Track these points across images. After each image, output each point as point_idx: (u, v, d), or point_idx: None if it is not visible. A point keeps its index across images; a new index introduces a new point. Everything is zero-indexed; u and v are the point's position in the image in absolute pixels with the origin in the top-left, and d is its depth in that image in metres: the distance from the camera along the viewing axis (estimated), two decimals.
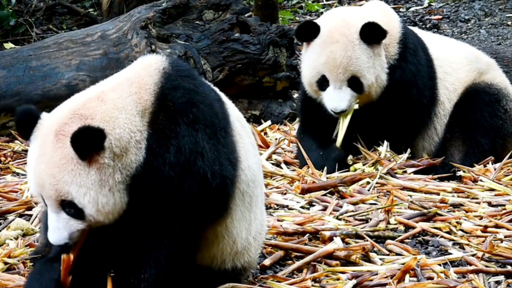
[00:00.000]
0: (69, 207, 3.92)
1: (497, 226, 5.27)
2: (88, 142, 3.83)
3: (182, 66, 4.20)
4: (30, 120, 4.00)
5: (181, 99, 4.04)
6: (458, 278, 4.58)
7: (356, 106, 6.35)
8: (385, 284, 4.45)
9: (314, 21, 6.50)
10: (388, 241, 5.04)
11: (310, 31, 6.38)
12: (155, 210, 3.98)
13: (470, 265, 4.75)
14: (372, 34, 6.29)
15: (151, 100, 4.01)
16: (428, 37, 6.87)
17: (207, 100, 4.12)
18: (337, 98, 6.31)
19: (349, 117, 6.35)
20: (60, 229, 3.95)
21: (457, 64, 6.78)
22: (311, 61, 6.39)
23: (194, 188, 3.99)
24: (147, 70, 4.10)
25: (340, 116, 6.36)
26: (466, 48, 7.03)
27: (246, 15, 8.30)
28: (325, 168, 6.25)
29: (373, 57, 6.34)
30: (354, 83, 6.31)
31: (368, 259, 4.77)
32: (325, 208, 5.58)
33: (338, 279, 4.54)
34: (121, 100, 3.98)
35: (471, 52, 6.95)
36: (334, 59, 6.30)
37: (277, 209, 5.65)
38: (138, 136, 3.96)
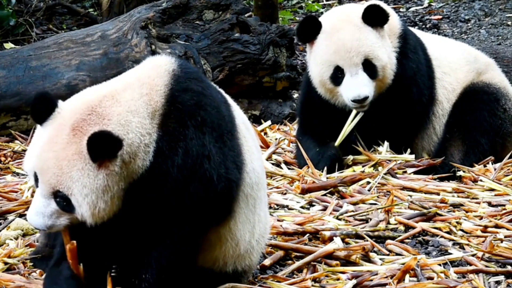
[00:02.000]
0: (62, 199, 3.89)
1: (497, 226, 5.27)
2: (104, 148, 3.80)
3: (190, 68, 4.20)
4: (47, 107, 3.95)
5: (190, 101, 4.03)
6: (458, 278, 4.58)
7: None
8: (385, 284, 4.45)
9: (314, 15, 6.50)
10: (388, 241, 5.04)
11: (311, 27, 6.36)
12: (159, 211, 3.97)
13: (470, 265, 4.75)
14: (375, 16, 6.29)
15: (161, 102, 4.00)
16: (426, 37, 6.87)
17: (215, 103, 4.12)
18: (356, 85, 6.23)
19: (356, 119, 6.30)
20: (45, 217, 3.92)
21: (455, 64, 6.77)
22: (320, 56, 6.34)
23: (199, 190, 3.98)
24: (157, 71, 4.08)
25: (359, 109, 6.28)
26: (465, 48, 7.02)
27: (246, 15, 8.30)
28: (325, 168, 6.24)
29: (380, 39, 6.32)
30: (368, 66, 6.26)
31: (368, 259, 4.77)
32: (325, 208, 5.58)
33: (338, 279, 4.54)
34: (133, 102, 3.96)
35: (469, 52, 6.94)
36: (344, 44, 6.26)
37: (277, 209, 5.65)
38: (147, 139, 3.94)
